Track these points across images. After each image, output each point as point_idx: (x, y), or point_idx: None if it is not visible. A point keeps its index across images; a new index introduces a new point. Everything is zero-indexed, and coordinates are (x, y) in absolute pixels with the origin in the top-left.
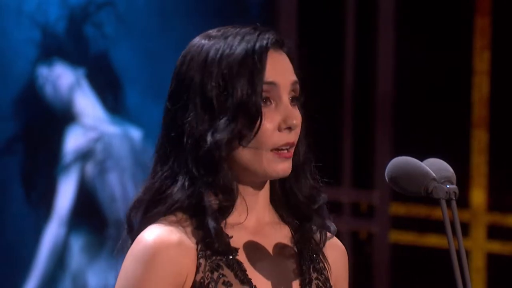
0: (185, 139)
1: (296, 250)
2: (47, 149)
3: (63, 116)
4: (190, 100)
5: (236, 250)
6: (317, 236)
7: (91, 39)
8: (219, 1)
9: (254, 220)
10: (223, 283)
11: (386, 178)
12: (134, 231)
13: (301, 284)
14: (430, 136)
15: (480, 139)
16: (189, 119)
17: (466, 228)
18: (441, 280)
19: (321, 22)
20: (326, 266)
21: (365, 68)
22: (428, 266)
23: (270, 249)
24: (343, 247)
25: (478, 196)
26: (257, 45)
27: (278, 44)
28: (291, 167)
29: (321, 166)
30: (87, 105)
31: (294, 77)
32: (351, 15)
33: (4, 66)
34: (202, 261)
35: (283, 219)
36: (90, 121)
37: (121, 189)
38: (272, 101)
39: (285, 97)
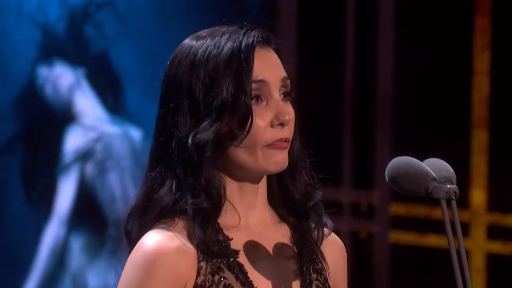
0: (173, 143)
1: (296, 250)
2: (47, 149)
3: (63, 116)
4: (178, 103)
5: (236, 252)
6: (315, 234)
7: (91, 39)
8: (219, 1)
9: (254, 220)
10: (225, 285)
11: (386, 178)
12: (132, 238)
13: (301, 286)
14: (430, 136)
15: (480, 139)
16: (177, 122)
17: (466, 228)
18: (441, 280)
19: (321, 22)
20: (325, 266)
21: (365, 68)
22: (428, 266)
23: (270, 250)
24: (341, 243)
25: (478, 196)
26: (243, 43)
27: (265, 41)
28: (287, 159)
29: (321, 166)
30: (87, 105)
31: (283, 73)
32: (351, 15)
33: (4, 66)
34: (203, 264)
35: (283, 218)
36: (90, 121)
37: (121, 189)
38: (263, 98)
39: (276, 94)
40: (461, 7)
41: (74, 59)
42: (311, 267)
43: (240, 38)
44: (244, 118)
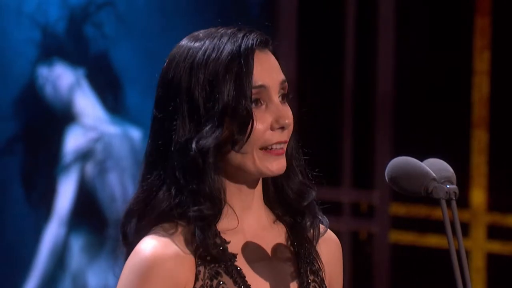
0: (172, 147)
1: (293, 251)
2: (47, 149)
3: (63, 116)
4: (177, 107)
5: (234, 256)
6: (311, 233)
7: (91, 39)
8: (219, 1)
9: (251, 222)
10: None
11: (386, 178)
12: (129, 241)
13: (299, 287)
14: (430, 136)
15: (480, 139)
16: (175, 126)
17: (466, 228)
18: (441, 280)
19: (321, 22)
20: (321, 266)
21: (365, 68)
22: (428, 266)
23: (268, 252)
24: (337, 240)
25: (478, 196)
26: (243, 47)
27: (264, 44)
28: (286, 164)
29: (321, 166)
30: (87, 105)
31: (282, 76)
32: (351, 15)
33: (4, 66)
34: (201, 268)
35: (279, 217)
36: (90, 121)
37: (121, 189)
38: (262, 102)
39: (275, 97)
40: (461, 7)
41: (74, 59)
42: (308, 268)
43: (239, 41)
44: (244, 122)
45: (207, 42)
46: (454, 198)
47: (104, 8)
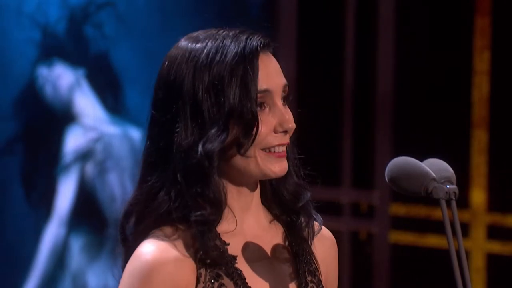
0: (174, 150)
1: (291, 251)
2: (47, 149)
3: (63, 116)
4: (179, 109)
5: (234, 258)
6: (306, 232)
7: (91, 39)
8: (219, 1)
9: (250, 223)
10: None
11: (386, 179)
12: (129, 243)
13: None
14: (430, 136)
15: (480, 139)
16: (178, 129)
17: (466, 228)
18: (441, 280)
19: (321, 22)
20: (317, 266)
21: (365, 68)
22: (428, 266)
23: (267, 253)
24: (332, 237)
25: (478, 196)
26: (247, 50)
27: (266, 46)
28: (287, 166)
29: (321, 166)
30: (87, 105)
31: (284, 80)
32: (351, 15)
33: (4, 66)
34: (202, 271)
35: (277, 218)
36: (90, 121)
37: (121, 189)
38: (266, 105)
39: (279, 101)
40: (461, 7)
41: (74, 59)
42: (306, 269)
43: (243, 43)
44: (250, 125)
45: (209, 43)
46: (454, 198)
47: (104, 8)
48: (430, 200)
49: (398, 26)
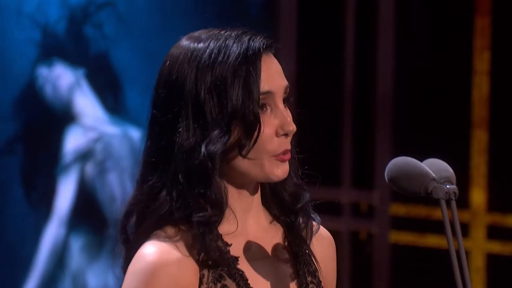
0: (175, 150)
1: (290, 251)
2: (47, 149)
3: (63, 116)
4: (181, 110)
5: (236, 259)
6: (304, 232)
7: (91, 39)
8: (219, 1)
9: (251, 224)
10: None
11: (386, 179)
12: (130, 243)
13: None
14: (430, 136)
15: (480, 139)
16: (180, 129)
17: (466, 228)
18: (441, 280)
19: (321, 22)
20: (317, 267)
21: (365, 68)
22: (428, 266)
23: (268, 253)
24: (330, 236)
25: (478, 196)
26: (250, 51)
27: (268, 48)
28: (288, 169)
29: (321, 166)
30: (87, 105)
31: (286, 82)
32: (351, 15)
33: (4, 66)
34: (205, 272)
35: (276, 218)
36: (90, 121)
37: (121, 189)
38: (268, 107)
39: (280, 103)
40: (461, 7)
41: (74, 59)
42: (306, 269)
43: (246, 44)
44: (252, 127)
45: (211, 43)
46: (453, 198)
47: (104, 8)
48: (430, 200)
49: (398, 26)
